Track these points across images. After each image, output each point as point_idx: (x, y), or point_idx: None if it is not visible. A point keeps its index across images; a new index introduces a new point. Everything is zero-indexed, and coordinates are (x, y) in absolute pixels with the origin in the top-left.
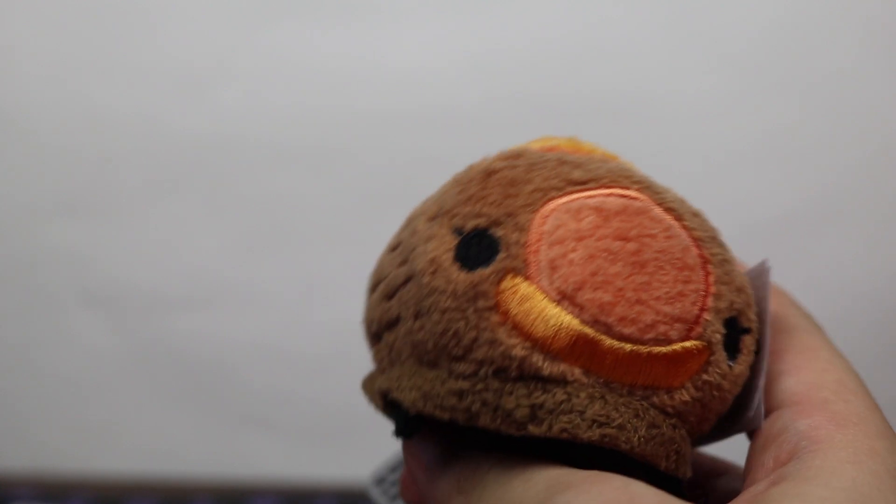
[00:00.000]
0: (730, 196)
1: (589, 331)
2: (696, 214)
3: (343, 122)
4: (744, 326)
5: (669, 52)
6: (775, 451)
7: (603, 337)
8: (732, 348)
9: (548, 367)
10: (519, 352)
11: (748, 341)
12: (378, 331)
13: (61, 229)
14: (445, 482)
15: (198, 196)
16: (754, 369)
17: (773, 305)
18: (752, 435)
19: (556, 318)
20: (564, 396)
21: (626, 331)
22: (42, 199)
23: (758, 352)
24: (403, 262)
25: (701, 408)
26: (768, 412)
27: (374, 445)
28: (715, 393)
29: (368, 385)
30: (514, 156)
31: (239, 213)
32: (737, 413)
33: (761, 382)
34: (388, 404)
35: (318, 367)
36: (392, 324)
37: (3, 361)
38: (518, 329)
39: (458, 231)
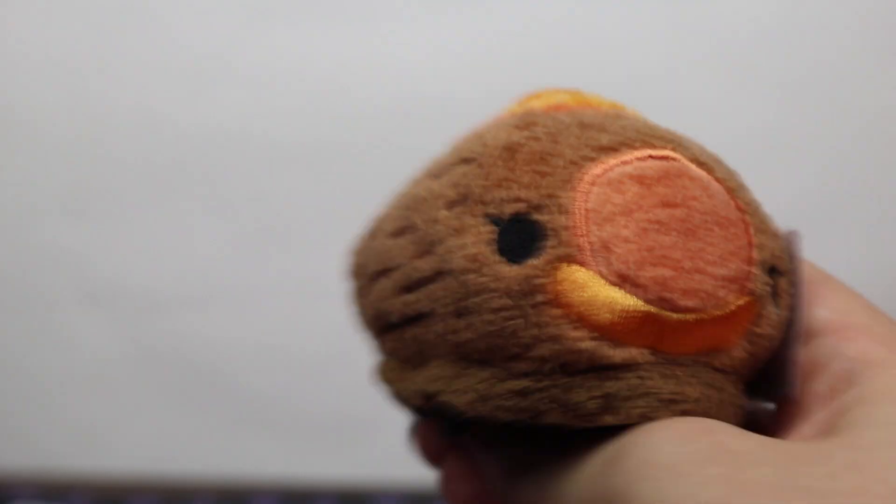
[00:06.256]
0: None
1: (653, 309)
2: (719, 162)
3: (344, 120)
4: (780, 270)
5: (666, 50)
6: (829, 380)
7: (668, 313)
8: (775, 295)
9: (618, 355)
10: (587, 344)
11: (784, 284)
12: (396, 322)
13: (61, 229)
14: (525, 491)
15: (198, 195)
16: (788, 341)
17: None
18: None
19: (621, 302)
20: (637, 381)
21: (690, 303)
22: (42, 199)
23: (791, 325)
24: (425, 253)
25: (753, 360)
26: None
27: (373, 445)
28: (765, 344)
29: (395, 379)
30: (529, 123)
31: (239, 212)
32: (768, 385)
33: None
34: (435, 406)
35: (318, 367)
36: (417, 319)
37: (3, 361)
38: (583, 320)
39: (494, 220)
